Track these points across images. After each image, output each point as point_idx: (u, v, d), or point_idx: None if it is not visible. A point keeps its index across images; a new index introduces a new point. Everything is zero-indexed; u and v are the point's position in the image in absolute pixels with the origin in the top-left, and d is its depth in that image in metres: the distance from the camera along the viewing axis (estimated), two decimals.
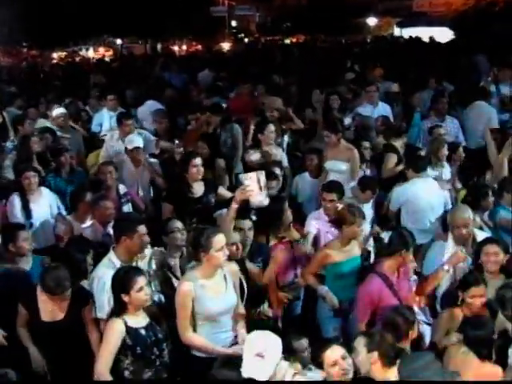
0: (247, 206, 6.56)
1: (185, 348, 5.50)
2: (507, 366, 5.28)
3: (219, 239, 5.41)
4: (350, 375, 4.81)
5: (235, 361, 4.69)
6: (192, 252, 5.57)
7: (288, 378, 4.80)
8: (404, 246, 6.10)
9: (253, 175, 6.18)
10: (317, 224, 7.36)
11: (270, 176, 7.43)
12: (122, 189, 8.23)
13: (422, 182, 8.00)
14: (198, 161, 7.59)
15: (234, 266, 5.72)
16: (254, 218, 6.94)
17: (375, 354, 4.67)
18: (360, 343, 4.89)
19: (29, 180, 7.78)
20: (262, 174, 6.20)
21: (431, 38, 23.55)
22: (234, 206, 6.11)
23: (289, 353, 5.03)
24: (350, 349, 4.98)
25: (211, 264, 5.44)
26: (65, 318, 5.64)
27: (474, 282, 5.82)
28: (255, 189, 6.09)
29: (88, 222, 7.41)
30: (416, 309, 6.13)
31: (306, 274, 6.81)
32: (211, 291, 5.43)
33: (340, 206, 6.89)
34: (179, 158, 8.52)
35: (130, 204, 8.19)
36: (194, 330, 5.44)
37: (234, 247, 6.11)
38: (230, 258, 5.65)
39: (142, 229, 5.94)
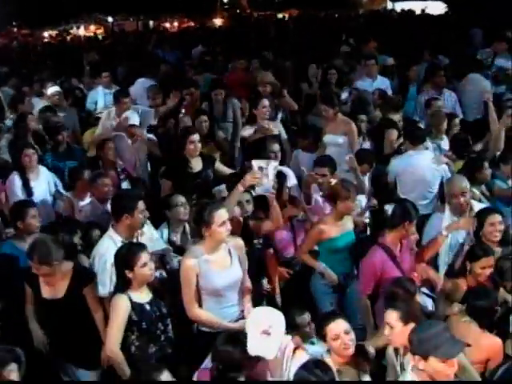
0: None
1: (190, 323, 5.53)
2: (508, 338, 5.33)
3: (221, 214, 5.38)
4: (352, 350, 4.84)
5: (239, 336, 4.68)
6: (195, 227, 5.55)
7: (288, 353, 4.83)
8: (407, 218, 6.09)
9: (265, 164, 6.09)
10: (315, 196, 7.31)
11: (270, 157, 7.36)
12: (120, 165, 8.25)
13: (417, 155, 7.94)
14: (196, 137, 7.58)
15: (239, 241, 5.69)
16: (253, 192, 6.94)
17: (413, 325, 4.65)
18: (392, 317, 4.86)
19: (29, 157, 7.76)
20: (274, 164, 6.14)
21: (423, 11, 23.46)
22: (240, 188, 6.03)
23: (291, 328, 5.07)
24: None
25: (214, 239, 5.42)
26: (65, 296, 5.61)
27: (485, 253, 5.86)
28: (265, 177, 6.04)
29: (87, 200, 7.41)
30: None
31: (301, 251, 6.82)
32: (216, 266, 5.42)
33: (333, 181, 6.90)
34: (180, 130, 8.50)
35: (127, 180, 8.18)
36: (200, 306, 5.45)
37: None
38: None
39: (141, 205, 5.93)
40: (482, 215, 6.47)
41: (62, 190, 7.89)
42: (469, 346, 4.30)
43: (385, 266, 6.05)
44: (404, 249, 6.24)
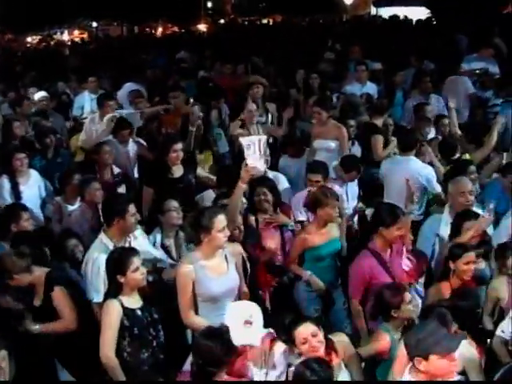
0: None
1: (183, 328, 5.51)
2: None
3: (221, 219, 5.34)
4: (321, 351, 4.78)
5: (218, 331, 4.68)
6: (192, 232, 5.50)
7: (266, 344, 4.84)
8: (389, 220, 6.04)
9: (254, 139, 5.89)
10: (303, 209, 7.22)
11: None
12: (116, 169, 8.22)
13: (406, 160, 7.94)
14: (179, 146, 7.53)
15: (237, 247, 5.68)
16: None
17: None
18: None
19: (20, 161, 7.75)
20: (263, 139, 5.91)
21: (406, 17, 23.54)
22: (242, 185, 5.90)
23: (281, 332, 5.04)
24: (329, 329, 5.06)
25: (212, 245, 5.37)
26: (41, 305, 5.56)
27: (464, 250, 5.90)
28: (256, 154, 5.81)
29: (76, 204, 7.39)
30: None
31: (288, 261, 6.76)
32: (212, 272, 5.37)
33: (312, 189, 6.90)
34: (165, 137, 8.51)
35: (123, 185, 8.14)
36: (196, 312, 5.38)
37: (237, 230, 6.10)
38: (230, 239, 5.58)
39: (132, 208, 5.92)
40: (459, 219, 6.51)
41: (51, 194, 7.89)
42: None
43: (373, 270, 6.03)
44: (394, 253, 6.20)
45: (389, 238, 6.07)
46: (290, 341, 4.87)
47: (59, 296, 5.54)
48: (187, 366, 4.86)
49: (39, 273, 5.61)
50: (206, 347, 4.53)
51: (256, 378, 4.81)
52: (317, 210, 6.54)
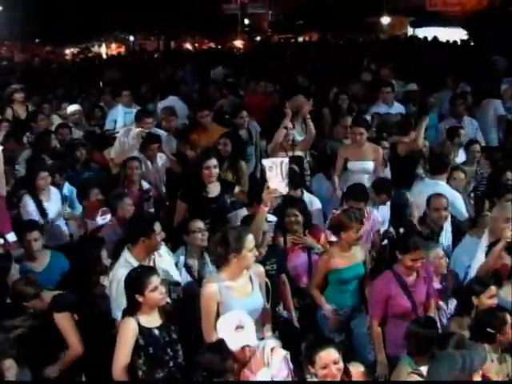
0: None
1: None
2: None
3: (251, 239, 5.27)
4: (338, 378, 4.72)
5: (218, 344, 4.72)
6: (221, 253, 5.31)
7: (267, 352, 4.83)
8: (402, 248, 5.99)
9: (277, 161, 5.78)
10: None
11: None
12: (145, 185, 8.19)
13: (430, 184, 7.89)
14: (212, 162, 7.40)
15: (260, 267, 5.57)
16: (273, 218, 6.87)
17: None
18: None
19: (44, 180, 7.76)
20: (285, 161, 5.78)
21: (436, 38, 23.40)
22: (264, 208, 5.82)
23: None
24: (349, 356, 4.97)
25: (240, 265, 5.28)
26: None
27: (486, 284, 5.83)
28: (278, 177, 5.71)
29: (98, 219, 7.36)
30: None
31: (311, 285, 6.70)
32: (237, 293, 5.28)
33: (336, 212, 6.84)
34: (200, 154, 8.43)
35: (152, 201, 8.13)
36: None
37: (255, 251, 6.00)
38: None
39: (158, 227, 5.87)
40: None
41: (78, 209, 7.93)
42: None
43: (392, 291, 5.95)
44: (420, 279, 6.10)
45: (405, 264, 5.99)
46: (307, 360, 4.81)
47: (60, 323, 5.51)
48: None
49: (48, 298, 5.61)
50: (205, 360, 4.60)
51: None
52: (340, 233, 6.48)
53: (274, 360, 4.84)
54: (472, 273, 6.47)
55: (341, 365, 4.73)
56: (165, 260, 6.02)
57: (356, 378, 4.90)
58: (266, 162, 5.80)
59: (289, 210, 6.91)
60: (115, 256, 6.04)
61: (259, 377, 4.76)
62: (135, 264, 5.66)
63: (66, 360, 5.52)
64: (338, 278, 6.49)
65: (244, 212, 7.28)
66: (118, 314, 5.53)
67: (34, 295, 5.60)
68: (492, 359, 5.27)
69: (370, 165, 8.47)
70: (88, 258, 5.99)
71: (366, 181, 8.13)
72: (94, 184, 7.98)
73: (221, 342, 4.73)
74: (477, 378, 4.24)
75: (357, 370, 5.00)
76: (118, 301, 5.55)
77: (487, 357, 4.69)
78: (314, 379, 4.71)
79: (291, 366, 4.90)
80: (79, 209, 7.98)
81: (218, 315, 5.19)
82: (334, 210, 7.02)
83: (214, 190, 7.47)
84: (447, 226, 7.38)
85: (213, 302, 5.21)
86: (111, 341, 5.22)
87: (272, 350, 4.89)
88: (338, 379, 4.71)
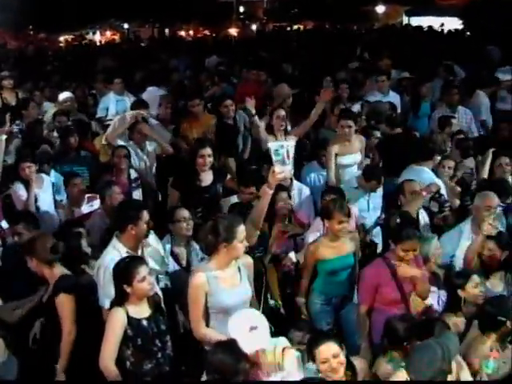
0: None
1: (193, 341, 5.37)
2: None
3: (242, 230, 5.22)
4: (340, 373, 4.74)
5: (230, 345, 4.61)
6: (211, 241, 5.23)
7: (279, 352, 4.78)
8: (395, 238, 6.02)
9: (284, 145, 5.66)
10: (319, 234, 6.96)
11: None
12: (133, 174, 8.17)
13: (415, 170, 7.92)
14: (206, 151, 7.40)
15: (249, 258, 5.51)
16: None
17: None
18: None
19: (27, 170, 7.68)
20: (291, 144, 5.68)
21: (442, 28, 23.38)
22: (269, 191, 5.65)
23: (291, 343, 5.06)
24: (341, 343, 4.93)
25: (230, 255, 5.23)
26: (47, 303, 5.61)
27: (467, 274, 5.88)
28: (284, 160, 5.59)
29: (84, 207, 7.48)
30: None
31: (302, 276, 6.62)
32: (225, 283, 5.22)
33: (327, 199, 6.84)
34: (194, 142, 8.38)
35: (140, 189, 8.12)
36: (207, 324, 5.23)
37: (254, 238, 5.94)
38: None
39: (146, 215, 5.79)
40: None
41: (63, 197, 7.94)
42: None
43: (381, 278, 5.96)
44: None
45: (397, 254, 5.99)
46: (309, 356, 4.84)
47: (61, 304, 5.51)
48: None
49: (57, 272, 5.62)
50: (217, 361, 4.47)
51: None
52: (325, 222, 6.46)
53: (286, 361, 4.77)
54: (457, 262, 6.49)
55: (341, 358, 4.74)
56: (153, 249, 5.99)
57: (360, 373, 4.94)
58: (272, 146, 5.71)
59: (279, 196, 6.84)
60: (103, 244, 6.00)
61: (272, 378, 4.70)
62: (123, 251, 5.62)
63: (66, 348, 5.48)
64: (326, 268, 6.46)
65: (234, 199, 7.27)
66: (105, 301, 5.50)
67: (48, 260, 5.62)
68: (497, 348, 5.29)
69: (357, 157, 8.47)
70: (67, 247, 5.94)
71: (354, 172, 8.16)
72: (75, 173, 7.98)
73: (233, 342, 4.61)
74: (453, 365, 4.31)
75: (361, 365, 5.08)
76: (106, 289, 5.52)
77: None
78: (317, 376, 4.71)
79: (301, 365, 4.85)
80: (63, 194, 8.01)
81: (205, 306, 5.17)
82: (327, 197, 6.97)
83: (207, 178, 7.46)
84: (424, 215, 7.41)
85: (201, 292, 5.15)
86: (97, 329, 5.22)
87: (283, 350, 4.83)
88: (341, 373, 4.72)
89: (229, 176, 7.82)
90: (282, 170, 5.55)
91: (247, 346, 4.61)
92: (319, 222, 6.92)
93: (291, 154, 5.62)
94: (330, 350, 4.73)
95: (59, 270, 5.67)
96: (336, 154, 8.39)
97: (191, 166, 7.43)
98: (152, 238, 6.10)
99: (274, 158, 5.59)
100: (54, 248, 5.66)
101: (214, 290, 5.16)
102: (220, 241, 5.17)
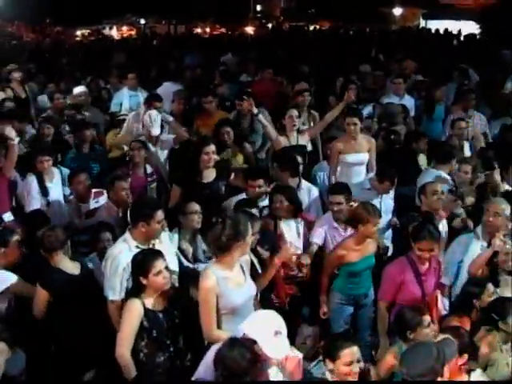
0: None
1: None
2: None
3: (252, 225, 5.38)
4: (356, 378, 4.76)
5: (243, 343, 4.50)
6: (224, 242, 5.13)
7: (292, 361, 4.77)
8: (414, 236, 6.06)
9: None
10: (323, 231, 7.10)
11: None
12: (149, 168, 8.25)
13: (430, 173, 7.95)
14: (211, 148, 7.41)
15: (247, 256, 5.53)
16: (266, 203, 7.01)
17: None
18: None
19: (43, 163, 7.80)
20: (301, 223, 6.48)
21: (459, 33, 23.26)
22: (278, 263, 5.84)
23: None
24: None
25: (242, 251, 5.22)
26: None
27: (482, 284, 5.89)
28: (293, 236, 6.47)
29: (92, 202, 7.53)
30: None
31: (322, 276, 6.69)
32: (233, 283, 5.18)
33: (354, 205, 6.85)
34: (197, 139, 8.44)
35: (155, 184, 8.19)
36: (218, 326, 5.16)
37: (254, 236, 5.97)
38: None
39: (160, 215, 5.76)
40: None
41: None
42: None
43: (405, 276, 6.02)
44: (431, 269, 6.17)
45: (415, 252, 6.04)
46: (328, 355, 4.83)
47: (36, 293, 5.75)
48: (200, 375, 4.73)
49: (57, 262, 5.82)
50: (231, 358, 4.36)
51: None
52: (358, 226, 6.47)
53: (288, 362, 4.74)
54: (464, 268, 6.48)
55: (362, 364, 4.78)
56: (164, 247, 5.91)
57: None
58: (283, 225, 6.26)
59: (275, 197, 6.94)
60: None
61: (269, 374, 4.65)
62: (132, 245, 5.65)
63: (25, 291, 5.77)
64: (350, 270, 6.54)
65: (242, 196, 7.28)
66: (109, 293, 5.58)
67: (49, 249, 5.80)
68: (501, 349, 5.33)
69: (365, 156, 8.43)
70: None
71: (363, 173, 8.14)
72: (80, 169, 7.99)
73: (250, 342, 4.48)
74: (447, 370, 4.34)
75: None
76: (111, 281, 5.57)
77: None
78: (332, 376, 4.74)
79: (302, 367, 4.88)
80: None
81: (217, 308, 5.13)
82: (352, 203, 7.01)
83: (209, 175, 7.48)
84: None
85: (212, 295, 5.09)
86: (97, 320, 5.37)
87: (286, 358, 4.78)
88: (356, 379, 4.73)
89: (233, 175, 7.81)
90: (292, 244, 5.97)
91: (272, 351, 4.49)
92: (322, 221, 7.10)
93: (302, 232, 6.52)
94: (354, 354, 4.75)
95: (59, 261, 5.85)
96: (340, 152, 8.40)
97: (195, 163, 7.45)
98: (165, 236, 6.08)
99: (285, 234, 6.26)
100: (56, 238, 5.83)
101: (224, 291, 5.12)
102: (237, 239, 5.14)
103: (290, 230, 6.94)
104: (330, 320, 6.58)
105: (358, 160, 8.37)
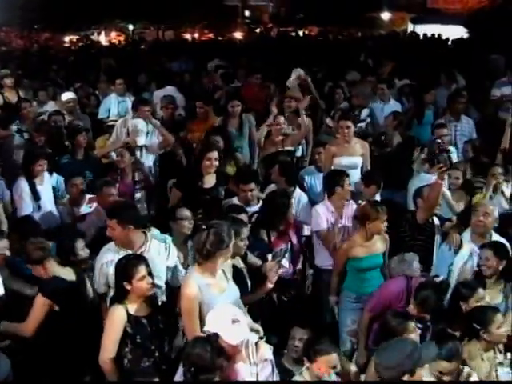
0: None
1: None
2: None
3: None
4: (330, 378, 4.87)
5: (207, 338, 4.62)
6: (210, 249, 5.13)
7: (252, 346, 4.86)
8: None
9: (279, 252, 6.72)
10: (326, 216, 7.26)
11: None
12: (139, 175, 8.28)
13: (425, 179, 7.88)
14: (213, 154, 7.51)
15: (228, 260, 5.48)
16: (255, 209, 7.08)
17: None
18: None
19: (42, 167, 7.80)
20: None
21: (447, 38, 23.33)
22: (270, 286, 5.93)
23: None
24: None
25: (222, 259, 5.22)
26: None
27: (473, 288, 5.85)
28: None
29: (83, 207, 7.57)
30: None
31: (333, 274, 6.83)
32: (216, 289, 5.19)
33: (362, 203, 6.95)
34: (201, 145, 8.48)
35: (143, 191, 8.24)
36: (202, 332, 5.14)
37: (243, 242, 6.00)
38: None
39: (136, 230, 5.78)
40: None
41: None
42: None
43: (400, 295, 6.03)
44: None
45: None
46: (306, 355, 4.99)
47: (35, 303, 5.57)
48: (178, 377, 4.79)
49: (50, 271, 5.68)
50: (196, 355, 4.50)
51: (249, 376, 4.78)
52: (366, 223, 6.56)
53: (258, 355, 4.86)
54: (455, 271, 6.48)
55: (338, 368, 4.92)
56: (154, 257, 5.75)
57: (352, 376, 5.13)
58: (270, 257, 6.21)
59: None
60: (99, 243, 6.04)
61: (239, 367, 4.75)
62: (121, 251, 5.64)
63: (15, 328, 5.60)
64: (356, 266, 6.64)
65: (235, 201, 7.35)
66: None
67: (38, 260, 5.68)
68: (482, 358, 5.32)
69: (359, 160, 8.43)
70: (62, 249, 6.03)
71: (356, 177, 8.12)
72: (77, 172, 8.01)
73: (212, 338, 4.60)
74: (419, 373, 4.33)
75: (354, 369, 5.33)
76: (100, 287, 5.69)
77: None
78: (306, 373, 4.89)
79: (273, 359, 4.96)
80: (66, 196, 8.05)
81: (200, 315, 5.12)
82: (360, 202, 7.19)
83: (210, 181, 7.56)
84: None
85: (195, 303, 5.08)
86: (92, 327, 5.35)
87: (256, 344, 4.91)
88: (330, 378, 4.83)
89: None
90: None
91: (231, 338, 4.62)
92: (317, 215, 7.23)
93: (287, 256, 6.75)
94: (331, 361, 4.90)
95: (52, 269, 5.72)
96: (334, 155, 8.40)
97: (196, 168, 7.49)
98: (156, 247, 5.90)
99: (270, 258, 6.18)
100: (42, 248, 5.73)
101: (207, 298, 5.12)
102: (220, 247, 5.13)
103: None
104: (338, 317, 6.73)
105: (351, 163, 8.34)
